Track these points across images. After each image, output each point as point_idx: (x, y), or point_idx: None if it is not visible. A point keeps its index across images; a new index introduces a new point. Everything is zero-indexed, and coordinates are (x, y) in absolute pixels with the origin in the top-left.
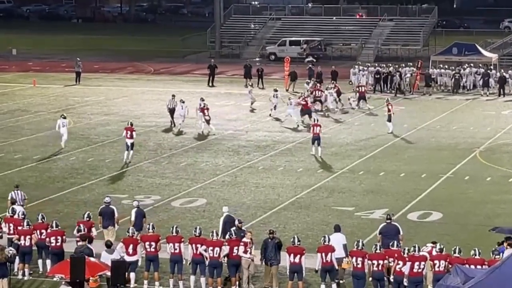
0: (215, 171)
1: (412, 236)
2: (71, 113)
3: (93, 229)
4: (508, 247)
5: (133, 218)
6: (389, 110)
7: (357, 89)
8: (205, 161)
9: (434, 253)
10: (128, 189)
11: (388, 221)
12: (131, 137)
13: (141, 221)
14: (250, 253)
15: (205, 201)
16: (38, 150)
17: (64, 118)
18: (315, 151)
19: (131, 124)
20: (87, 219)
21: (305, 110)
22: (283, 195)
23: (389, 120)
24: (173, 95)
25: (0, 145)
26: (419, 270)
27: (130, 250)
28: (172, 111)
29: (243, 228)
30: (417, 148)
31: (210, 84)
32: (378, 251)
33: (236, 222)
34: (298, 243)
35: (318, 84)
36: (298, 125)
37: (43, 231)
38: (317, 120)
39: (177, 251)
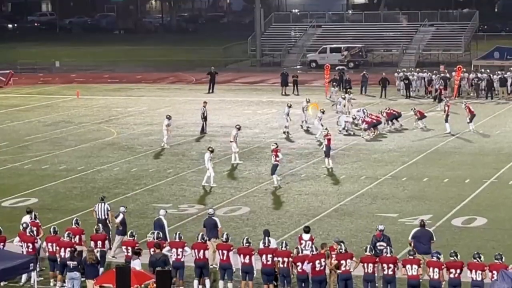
0: (258, 179)
1: (456, 242)
2: (114, 124)
3: (83, 236)
4: None
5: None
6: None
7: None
8: (247, 169)
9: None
10: (172, 199)
11: (421, 227)
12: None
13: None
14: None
15: (249, 209)
16: (82, 161)
17: (169, 118)
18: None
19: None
20: (76, 225)
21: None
22: (326, 202)
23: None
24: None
25: (45, 157)
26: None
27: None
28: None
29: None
30: (460, 153)
31: (211, 91)
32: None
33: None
34: (247, 244)
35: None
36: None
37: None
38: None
39: (201, 257)
